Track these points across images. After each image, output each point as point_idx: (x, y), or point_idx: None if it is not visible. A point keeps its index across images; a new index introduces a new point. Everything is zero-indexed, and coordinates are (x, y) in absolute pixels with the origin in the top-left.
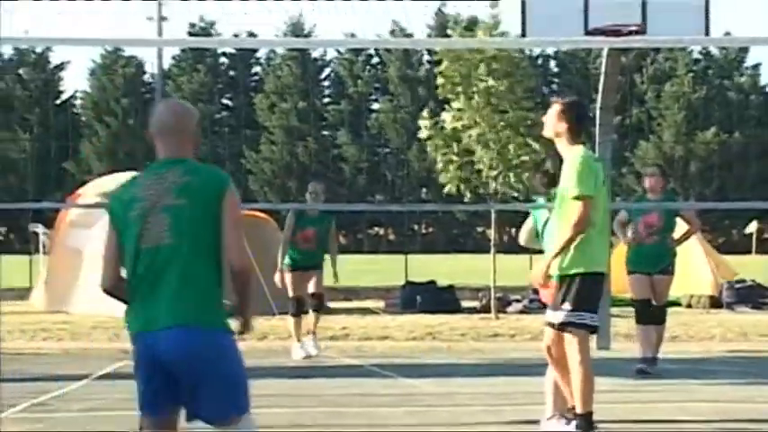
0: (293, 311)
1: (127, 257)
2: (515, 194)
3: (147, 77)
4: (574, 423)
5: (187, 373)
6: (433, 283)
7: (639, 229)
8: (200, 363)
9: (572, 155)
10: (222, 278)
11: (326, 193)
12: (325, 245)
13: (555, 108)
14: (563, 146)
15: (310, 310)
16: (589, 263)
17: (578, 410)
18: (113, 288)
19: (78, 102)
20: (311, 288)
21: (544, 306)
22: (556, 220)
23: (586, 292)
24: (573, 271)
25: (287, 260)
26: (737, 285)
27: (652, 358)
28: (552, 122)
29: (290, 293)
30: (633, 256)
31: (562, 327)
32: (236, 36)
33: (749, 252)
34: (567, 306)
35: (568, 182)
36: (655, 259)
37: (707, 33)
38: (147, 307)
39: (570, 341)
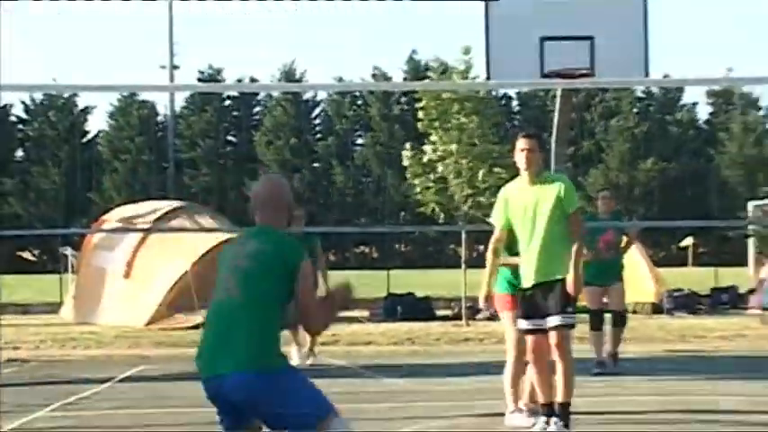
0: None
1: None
2: (483, 216)
3: (160, 118)
4: (533, 416)
5: (254, 412)
6: (411, 294)
7: (599, 246)
8: (262, 405)
9: (557, 176)
10: (277, 330)
11: (315, 216)
12: (312, 262)
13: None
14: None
15: None
16: (566, 269)
17: (563, 399)
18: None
19: (100, 141)
20: None
21: None
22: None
23: (567, 294)
24: (558, 276)
25: None
26: (676, 294)
27: (613, 356)
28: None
29: None
30: (593, 270)
31: (557, 328)
32: (239, 81)
33: (686, 264)
34: (560, 309)
35: (564, 197)
36: (611, 271)
37: (646, 75)
38: (213, 352)
39: (562, 340)
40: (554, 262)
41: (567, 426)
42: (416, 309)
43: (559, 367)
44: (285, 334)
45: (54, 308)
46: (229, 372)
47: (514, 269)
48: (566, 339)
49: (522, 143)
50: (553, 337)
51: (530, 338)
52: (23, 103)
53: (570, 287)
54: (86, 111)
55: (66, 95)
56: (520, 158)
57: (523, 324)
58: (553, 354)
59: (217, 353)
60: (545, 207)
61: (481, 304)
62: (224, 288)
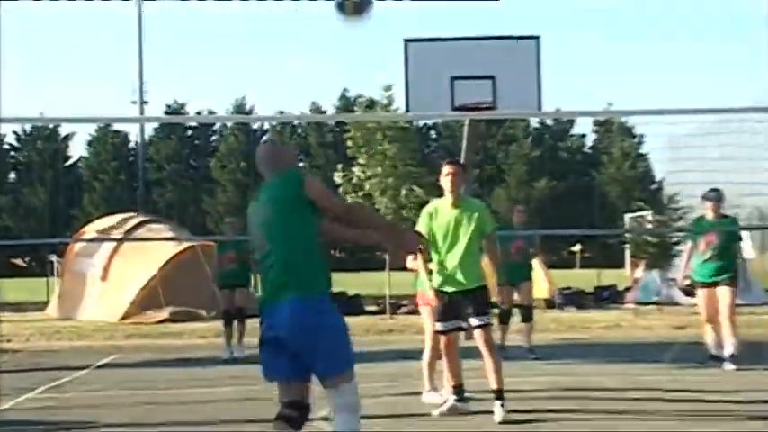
0: (223, 320)
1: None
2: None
3: (131, 145)
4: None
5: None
6: (344, 293)
7: (512, 251)
8: (307, 330)
9: (476, 202)
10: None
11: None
12: (247, 266)
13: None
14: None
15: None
16: (483, 278)
17: (497, 386)
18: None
19: (80, 165)
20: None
21: None
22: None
23: (487, 298)
24: (477, 284)
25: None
26: (565, 291)
27: (529, 348)
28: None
29: (221, 306)
30: (507, 270)
31: (482, 327)
32: (198, 114)
33: (574, 267)
34: (481, 311)
35: (484, 220)
36: (521, 272)
37: (539, 108)
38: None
39: (487, 337)
40: (473, 272)
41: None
42: (348, 305)
43: (490, 361)
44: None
45: (42, 306)
46: (287, 299)
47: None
48: (490, 336)
49: (447, 168)
50: (479, 335)
51: (443, 337)
52: (15, 133)
53: (493, 291)
54: (68, 139)
55: (51, 126)
56: (445, 182)
57: (439, 326)
58: (482, 349)
59: (277, 291)
60: (467, 226)
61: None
62: (259, 243)
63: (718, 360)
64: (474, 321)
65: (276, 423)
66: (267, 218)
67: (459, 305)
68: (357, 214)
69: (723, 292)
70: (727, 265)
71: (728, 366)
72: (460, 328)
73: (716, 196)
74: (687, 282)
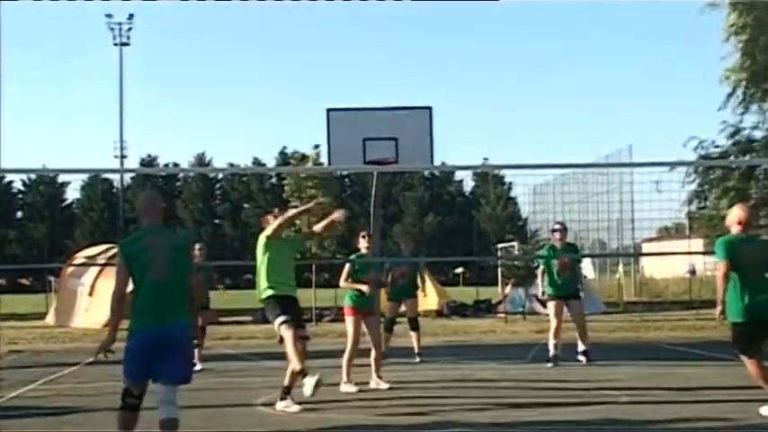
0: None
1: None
2: (327, 256)
3: (115, 190)
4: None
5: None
6: None
7: (397, 275)
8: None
9: None
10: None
11: (211, 253)
12: (210, 286)
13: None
14: None
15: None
16: None
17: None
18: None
19: (74, 205)
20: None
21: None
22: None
23: None
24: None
25: None
26: (452, 304)
27: (418, 353)
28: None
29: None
30: (396, 289)
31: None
32: (166, 165)
33: (458, 285)
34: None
35: None
36: (407, 290)
37: (432, 162)
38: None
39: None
40: None
41: None
42: None
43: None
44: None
45: (42, 316)
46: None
47: (357, 290)
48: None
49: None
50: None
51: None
52: (22, 180)
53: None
54: (64, 185)
55: (51, 175)
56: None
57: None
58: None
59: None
60: None
61: None
62: (156, 272)
63: (557, 359)
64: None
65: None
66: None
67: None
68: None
69: (573, 304)
70: (574, 283)
71: (582, 359)
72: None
73: (561, 228)
74: (543, 296)
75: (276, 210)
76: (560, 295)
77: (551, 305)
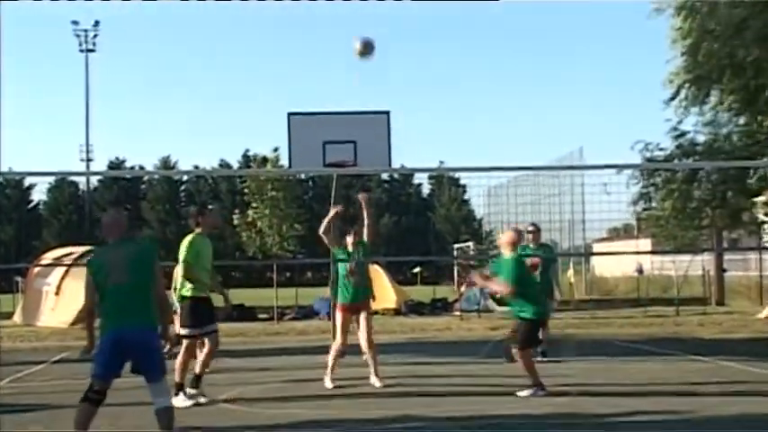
0: None
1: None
2: (287, 255)
3: (80, 192)
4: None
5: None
6: (242, 304)
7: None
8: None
9: None
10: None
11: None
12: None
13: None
14: None
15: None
16: None
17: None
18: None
19: (41, 207)
20: None
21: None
22: None
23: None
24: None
25: None
26: (409, 302)
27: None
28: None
29: None
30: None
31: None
32: (132, 168)
33: (416, 284)
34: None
35: None
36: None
37: (389, 165)
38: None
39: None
40: None
41: None
42: (246, 314)
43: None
44: None
45: (8, 316)
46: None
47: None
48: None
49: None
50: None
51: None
52: None
53: None
54: (31, 188)
55: (17, 178)
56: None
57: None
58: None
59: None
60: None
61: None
62: (116, 276)
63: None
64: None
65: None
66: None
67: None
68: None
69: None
70: (546, 282)
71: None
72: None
73: (535, 230)
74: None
75: (193, 208)
76: None
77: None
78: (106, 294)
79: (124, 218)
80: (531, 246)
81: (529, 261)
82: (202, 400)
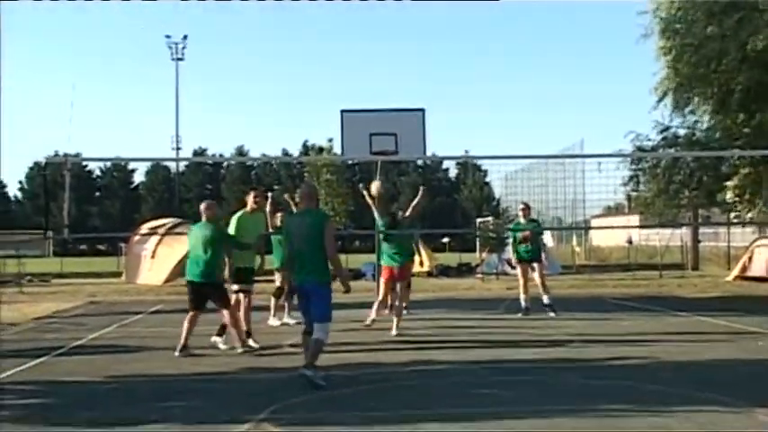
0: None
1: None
2: (339, 226)
3: (172, 176)
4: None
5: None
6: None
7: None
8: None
9: None
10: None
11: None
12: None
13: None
14: None
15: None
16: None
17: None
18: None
19: (140, 187)
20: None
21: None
22: None
23: None
24: None
25: None
26: (440, 266)
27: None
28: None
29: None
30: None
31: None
32: (213, 155)
33: (445, 251)
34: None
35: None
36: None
37: (424, 153)
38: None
39: None
40: None
41: None
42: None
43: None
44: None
45: (114, 275)
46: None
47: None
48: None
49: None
50: None
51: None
52: (99, 167)
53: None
54: (133, 171)
55: (123, 163)
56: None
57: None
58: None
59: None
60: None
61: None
62: (297, 242)
63: (528, 311)
64: None
65: (303, 336)
66: (307, 232)
67: None
68: (332, 256)
69: (536, 267)
70: (535, 249)
71: (550, 313)
72: None
73: (524, 207)
74: (513, 260)
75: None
76: (526, 259)
77: (518, 267)
78: (294, 253)
79: (315, 191)
80: (522, 221)
81: (521, 234)
82: (222, 346)
